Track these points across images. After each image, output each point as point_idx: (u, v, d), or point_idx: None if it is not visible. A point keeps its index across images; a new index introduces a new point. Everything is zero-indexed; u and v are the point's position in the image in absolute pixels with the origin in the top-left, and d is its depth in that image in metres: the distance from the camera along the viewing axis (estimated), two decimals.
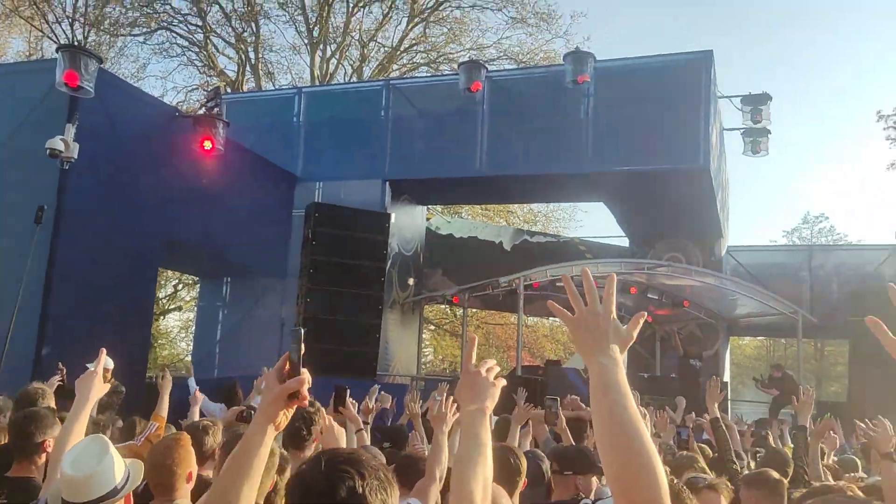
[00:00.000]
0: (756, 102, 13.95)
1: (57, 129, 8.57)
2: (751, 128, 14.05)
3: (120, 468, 2.56)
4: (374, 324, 12.24)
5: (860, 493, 3.00)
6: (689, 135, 12.03)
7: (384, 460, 1.61)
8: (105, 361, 7.82)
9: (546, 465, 4.00)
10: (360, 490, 1.47)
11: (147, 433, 4.69)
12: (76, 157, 8.51)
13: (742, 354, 33.78)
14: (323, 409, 4.27)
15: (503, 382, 2.04)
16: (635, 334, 1.59)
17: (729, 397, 14.61)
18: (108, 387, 3.25)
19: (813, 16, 76.66)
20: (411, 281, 15.16)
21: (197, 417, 5.55)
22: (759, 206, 76.67)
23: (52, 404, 4.51)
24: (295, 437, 3.84)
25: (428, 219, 17.36)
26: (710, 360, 14.93)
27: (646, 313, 1.61)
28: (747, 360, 33.20)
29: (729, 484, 3.38)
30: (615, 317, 1.59)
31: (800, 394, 5.14)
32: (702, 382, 10.45)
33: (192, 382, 8.18)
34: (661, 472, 1.39)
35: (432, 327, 29.90)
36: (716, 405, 5.08)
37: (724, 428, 4.90)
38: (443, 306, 24.83)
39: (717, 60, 12.45)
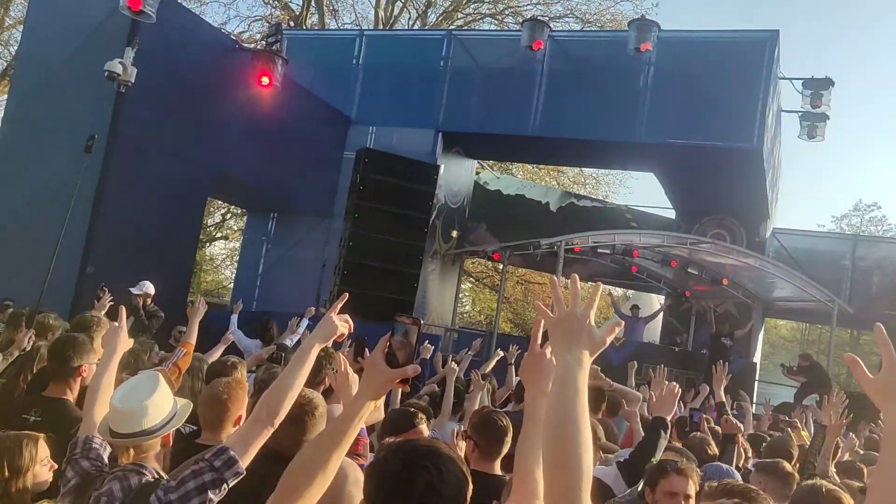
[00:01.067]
0: (817, 87, 13.52)
1: (116, 52, 8.75)
2: (809, 112, 13.66)
3: (165, 407, 2.65)
4: (413, 272, 12.38)
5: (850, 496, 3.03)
6: (746, 114, 11.80)
7: (461, 455, 1.63)
8: (146, 288, 8.03)
9: None
10: (437, 486, 1.49)
11: (175, 359, 4.79)
12: (133, 81, 8.70)
13: (777, 335, 33.38)
14: (339, 355, 4.46)
15: None
16: (609, 340, 1.66)
17: (758, 378, 14.55)
18: (132, 342, 3.22)
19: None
20: (455, 233, 15.26)
21: (218, 355, 5.64)
22: (811, 188, 74.60)
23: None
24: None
25: (477, 173, 17.34)
26: (742, 340, 14.86)
27: (623, 322, 1.70)
28: (781, 340, 32.84)
29: (699, 470, 3.37)
30: (591, 322, 1.65)
31: (829, 387, 5.13)
32: (731, 360, 10.46)
33: (234, 319, 8.30)
34: (589, 472, 1.48)
35: (472, 280, 30.08)
36: (721, 389, 5.13)
37: (726, 410, 4.98)
38: (484, 260, 24.96)
39: (781, 40, 12.13)
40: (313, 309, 8.47)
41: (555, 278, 1.84)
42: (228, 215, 27.54)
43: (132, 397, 2.60)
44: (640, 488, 3.33)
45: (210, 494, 2.23)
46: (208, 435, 3.09)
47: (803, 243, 17.21)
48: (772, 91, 12.05)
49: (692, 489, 3.12)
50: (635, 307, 15.55)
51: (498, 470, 3.23)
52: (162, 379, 2.74)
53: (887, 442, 1.53)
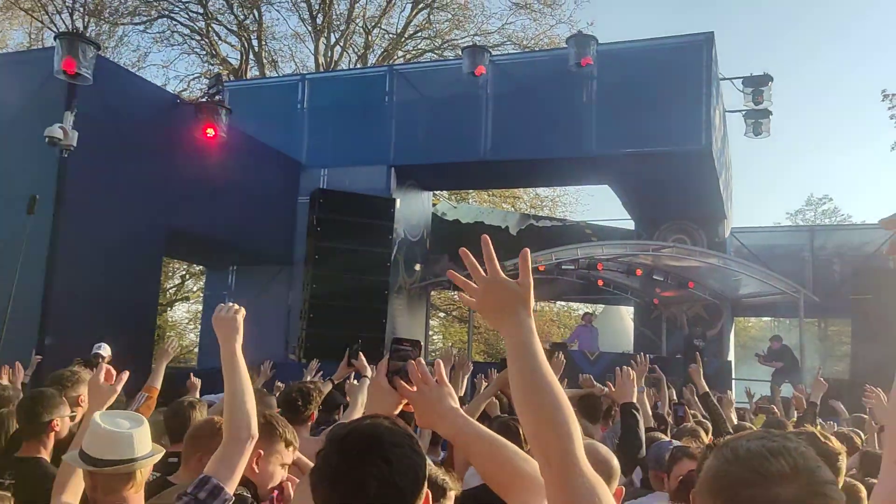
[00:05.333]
0: (757, 84, 13.86)
1: (55, 118, 8.60)
2: (752, 109, 13.97)
3: (148, 439, 2.55)
4: (380, 309, 12.25)
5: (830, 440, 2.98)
6: (691, 116, 11.99)
7: (403, 426, 1.53)
8: (104, 349, 7.74)
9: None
10: (390, 478, 1.39)
11: (135, 406, 4.56)
12: (75, 144, 8.55)
13: (747, 336, 33.81)
14: (321, 388, 4.37)
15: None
16: (530, 278, 1.59)
17: (734, 377, 14.61)
18: (117, 391, 2.93)
19: None
20: (418, 266, 15.17)
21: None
22: (763, 188, 76.32)
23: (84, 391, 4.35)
24: (290, 407, 3.97)
25: (434, 204, 17.33)
26: (714, 341, 14.93)
27: (528, 250, 1.63)
28: (752, 340, 33.34)
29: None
30: (504, 276, 1.61)
31: (799, 371, 5.20)
32: (706, 362, 10.44)
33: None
34: (576, 429, 1.43)
35: (441, 314, 29.93)
36: (702, 381, 5.27)
37: (714, 401, 5.04)
38: (450, 293, 24.84)
39: (718, 41, 12.41)
40: (271, 361, 8.29)
41: (465, 249, 1.74)
42: (187, 277, 27.13)
43: (117, 421, 2.46)
44: (641, 476, 3.40)
45: None
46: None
47: (762, 240, 17.52)
48: (714, 92, 12.27)
49: None
50: (587, 314, 15.59)
51: None
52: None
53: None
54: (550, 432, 1.42)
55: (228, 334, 2.39)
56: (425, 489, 1.46)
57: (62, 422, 3.52)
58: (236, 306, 2.44)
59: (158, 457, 2.57)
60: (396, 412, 1.85)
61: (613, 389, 4.40)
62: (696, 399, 5.48)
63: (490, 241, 1.66)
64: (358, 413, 4.40)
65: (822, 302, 14.21)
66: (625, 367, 4.48)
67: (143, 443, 2.47)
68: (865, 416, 6.14)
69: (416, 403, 1.82)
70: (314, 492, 1.45)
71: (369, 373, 5.12)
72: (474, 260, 1.66)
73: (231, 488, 2.20)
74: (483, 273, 1.63)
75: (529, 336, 1.54)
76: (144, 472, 2.52)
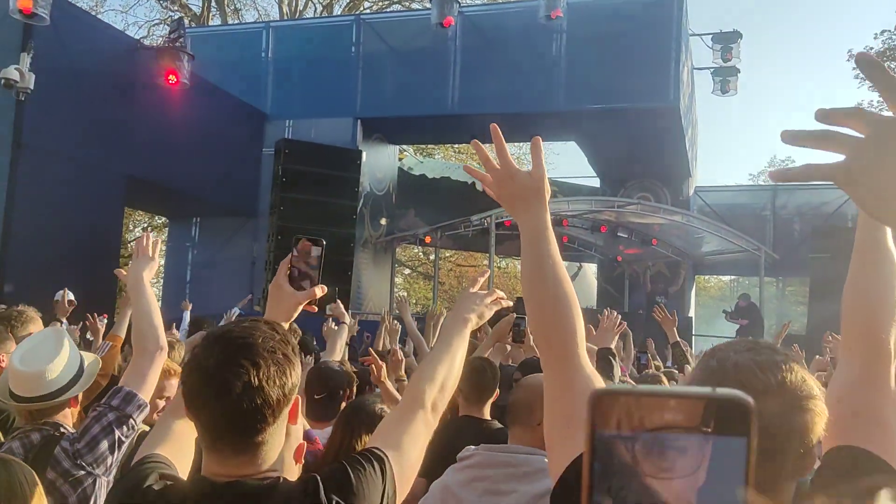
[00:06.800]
0: (726, 41, 13.90)
1: (12, 59, 8.32)
2: (720, 66, 14.03)
3: (71, 366, 2.53)
4: (346, 261, 12.17)
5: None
6: (660, 72, 11.98)
7: (283, 333, 1.49)
8: (70, 295, 7.63)
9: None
10: (256, 382, 1.37)
11: (101, 354, 4.52)
12: (32, 87, 8.29)
13: (707, 295, 34.48)
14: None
15: (498, 306, 2.08)
16: (543, 168, 1.58)
17: (693, 333, 14.90)
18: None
19: None
20: (383, 220, 15.10)
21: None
22: (728, 148, 77.32)
23: (33, 329, 4.28)
24: None
25: (400, 159, 17.21)
26: (675, 296, 15.18)
27: (539, 138, 1.60)
28: (712, 300, 34.03)
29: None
30: (515, 167, 1.59)
31: (762, 331, 5.28)
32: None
33: (185, 316, 8.58)
34: (579, 323, 1.43)
35: (406, 271, 29.94)
36: (674, 331, 5.31)
37: (682, 350, 5.12)
38: (416, 249, 24.85)
39: None
40: (251, 295, 8.40)
41: (477, 141, 1.72)
42: (150, 228, 26.70)
43: (34, 358, 2.45)
44: None
45: (118, 433, 2.21)
46: None
47: (725, 199, 17.75)
48: (683, 48, 12.27)
49: None
50: None
51: (486, 415, 3.32)
52: (66, 335, 2.60)
53: None
54: (551, 325, 1.43)
55: (144, 262, 2.45)
56: (294, 397, 1.45)
57: (8, 357, 3.50)
58: (153, 236, 2.50)
59: (82, 385, 2.58)
60: (296, 313, 1.86)
61: (594, 333, 4.30)
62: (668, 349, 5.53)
63: (499, 130, 1.62)
64: (336, 357, 4.42)
65: (782, 261, 14.49)
66: (613, 311, 4.39)
67: (60, 375, 2.48)
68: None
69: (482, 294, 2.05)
70: (184, 385, 1.45)
71: (348, 319, 5.16)
72: (487, 153, 1.62)
73: (146, 396, 2.29)
74: (495, 165, 1.60)
75: (539, 228, 1.52)
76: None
